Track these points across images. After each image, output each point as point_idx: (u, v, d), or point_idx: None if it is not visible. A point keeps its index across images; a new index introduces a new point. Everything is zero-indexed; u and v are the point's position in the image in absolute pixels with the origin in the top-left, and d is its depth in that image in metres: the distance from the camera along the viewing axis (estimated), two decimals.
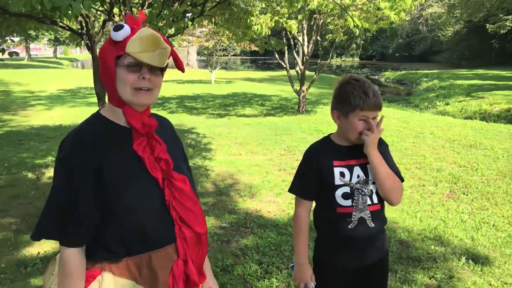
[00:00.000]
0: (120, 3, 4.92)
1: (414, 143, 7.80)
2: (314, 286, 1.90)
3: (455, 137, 8.20)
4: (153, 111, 1.47)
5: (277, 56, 11.98)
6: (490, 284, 3.10)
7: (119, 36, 1.26)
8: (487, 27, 26.33)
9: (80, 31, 4.64)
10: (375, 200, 1.81)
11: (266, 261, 3.42)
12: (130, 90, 1.30)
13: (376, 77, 33.53)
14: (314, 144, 1.97)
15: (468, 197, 4.99)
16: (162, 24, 4.71)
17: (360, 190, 1.80)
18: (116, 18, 5.02)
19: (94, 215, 1.30)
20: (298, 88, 11.66)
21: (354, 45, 44.01)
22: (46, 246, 3.60)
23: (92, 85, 5.11)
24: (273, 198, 4.94)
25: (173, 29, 5.07)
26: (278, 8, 9.72)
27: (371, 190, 1.80)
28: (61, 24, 5.13)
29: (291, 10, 9.33)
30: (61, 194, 1.29)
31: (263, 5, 9.91)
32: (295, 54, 11.79)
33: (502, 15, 24.90)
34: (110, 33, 1.28)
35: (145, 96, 1.32)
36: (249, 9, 7.02)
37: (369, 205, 1.80)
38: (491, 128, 9.37)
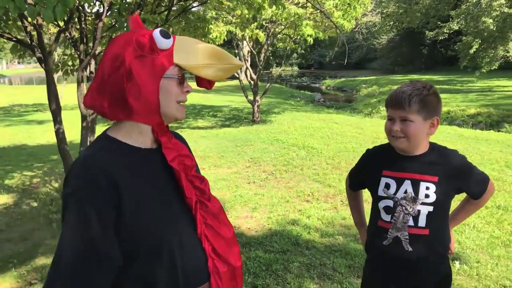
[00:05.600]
0: (74, 12, 4.51)
1: None
2: None
3: None
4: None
5: None
6: None
7: (168, 44, 1.11)
8: (426, 33, 28.07)
9: (30, 42, 4.16)
10: (421, 223, 1.62)
11: (260, 283, 3.18)
12: (175, 104, 1.15)
13: (317, 85, 34.36)
14: (375, 147, 1.84)
15: None
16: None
17: (404, 208, 1.63)
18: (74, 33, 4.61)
19: (118, 257, 1.04)
20: (251, 98, 11.54)
21: (295, 54, 44.90)
22: None
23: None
24: (249, 214, 4.70)
25: None
26: (230, 17, 9.59)
27: (418, 210, 1.62)
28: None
29: (244, 19, 9.23)
30: (77, 235, 1.01)
31: (213, 14, 9.73)
32: (247, 64, 11.68)
33: (439, 23, 26.60)
34: (154, 38, 1.09)
35: (184, 110, 1.20)
36: (206, 17, 6.80)
37: (410, 226, 1.63)
38: (442, 130, 9.76)
